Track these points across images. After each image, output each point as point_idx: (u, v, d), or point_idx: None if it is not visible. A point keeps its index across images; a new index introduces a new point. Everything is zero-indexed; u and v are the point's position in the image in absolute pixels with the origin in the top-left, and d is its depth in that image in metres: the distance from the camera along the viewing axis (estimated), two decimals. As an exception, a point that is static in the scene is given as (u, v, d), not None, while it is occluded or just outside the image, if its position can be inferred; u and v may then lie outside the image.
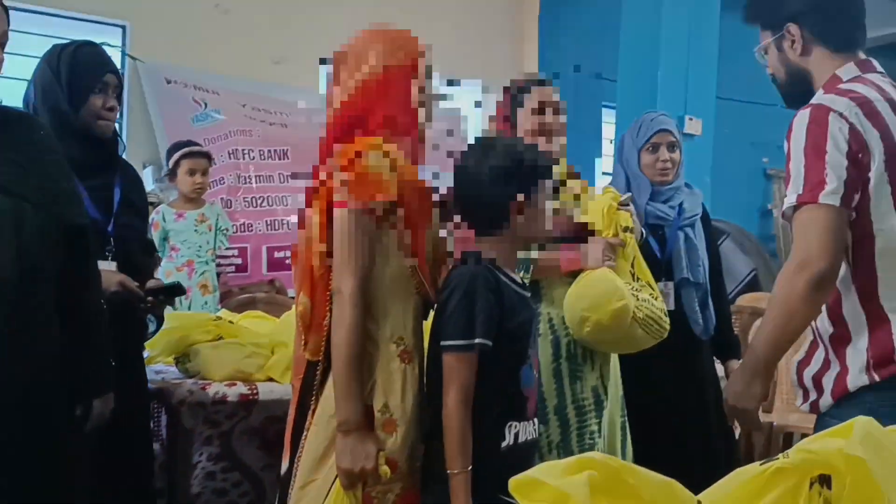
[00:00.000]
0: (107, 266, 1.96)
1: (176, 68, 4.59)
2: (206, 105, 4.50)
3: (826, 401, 1.46)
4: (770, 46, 1.60)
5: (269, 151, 4.57)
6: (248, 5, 5.03)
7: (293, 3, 5.17)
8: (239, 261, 4.37)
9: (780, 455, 0.80)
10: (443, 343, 1.46)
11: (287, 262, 4.49)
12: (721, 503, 0.77)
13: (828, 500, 0.80)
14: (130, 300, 2.02)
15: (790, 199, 1.41)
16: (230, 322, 2.60)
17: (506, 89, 2.18)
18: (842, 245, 1.39)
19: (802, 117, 1.43)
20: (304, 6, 5.21)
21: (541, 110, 2.08)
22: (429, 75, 1.57)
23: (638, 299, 1.95)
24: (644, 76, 4.58)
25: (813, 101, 1.48)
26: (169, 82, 4.49)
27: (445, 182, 1.57)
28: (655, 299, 2.03)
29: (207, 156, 3.71)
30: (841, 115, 1.40)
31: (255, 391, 2.30)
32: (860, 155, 1.39)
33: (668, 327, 2.04)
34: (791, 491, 0.79)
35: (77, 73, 1.97)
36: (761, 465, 0.80)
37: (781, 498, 0.78)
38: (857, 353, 1.42)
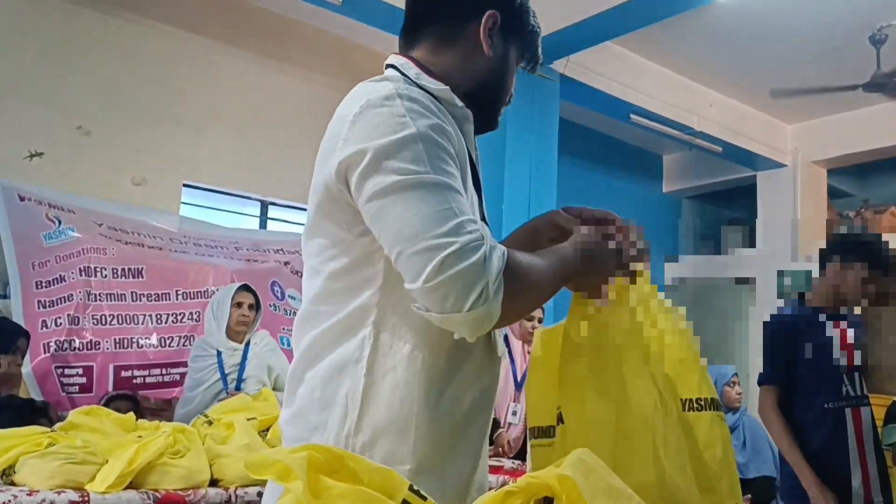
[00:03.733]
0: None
1: (31, 186, 4.58)
2: (59, 222, 4.48)
3: None
4: None
5: (123, 270, 4.57)
6: (111, 127, 5.13)
7: (155, 127, 5.32)
8: (83, 380, 4.27)
9: (512, 481, 0.97)
10: None
11: (134, 381, 4.42)
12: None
13: (550, 517, 0.96)
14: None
15: None
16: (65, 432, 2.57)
17: None
18: None
19: None
20: (166, 130, 5.37)
21: None
22: None
23: None
24: (489, 210, 4.97)
25: None
26: (23, 199, 4.46)
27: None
28: None
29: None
30: None
31: (85, 498, 2.28)
32: None
33: None
34: (519, 510, 0.95)
35: None
36: (496, 491, 0.97)
37: (511, 516, 0.94)
38: None
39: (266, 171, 5.89)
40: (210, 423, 2.94)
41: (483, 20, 1.29)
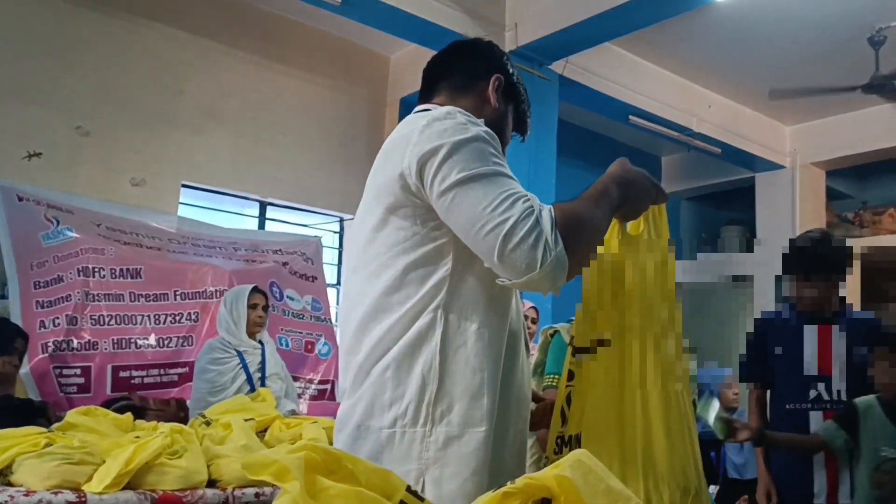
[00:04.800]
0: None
1: (30, 186, 4.57)
2: (57, 223, 4.47)
3: None
4: None
5: (122, 270, 4.56)
6: (110, 128, 5.13)
7: (154, 128, 5.32)
8: (81, 380, 4.26)
9: (509, 482, 0.96)
10: None
11: (132, 381, 4.41)
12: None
13: (548, 518, 0.96)
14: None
15: None
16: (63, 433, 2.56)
17: None
18: None
19: None
20: (165, 131, 5.37)
21: None
22: None
23: None
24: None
25: None
26: (21, 199, 4.46)
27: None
28: None
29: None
30: None
31: (83, 499, 2.27)
32: None
33: None
34: (516, 511, 0.94)
35: None
36: (495, 491, 0.96)
37: (509, 517, 0.93)
38: None
39: (265, 171, 5.89)
40: (208, 423, 2.93)
41: (492, 80, 1.57)
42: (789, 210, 7.63)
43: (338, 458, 0.71)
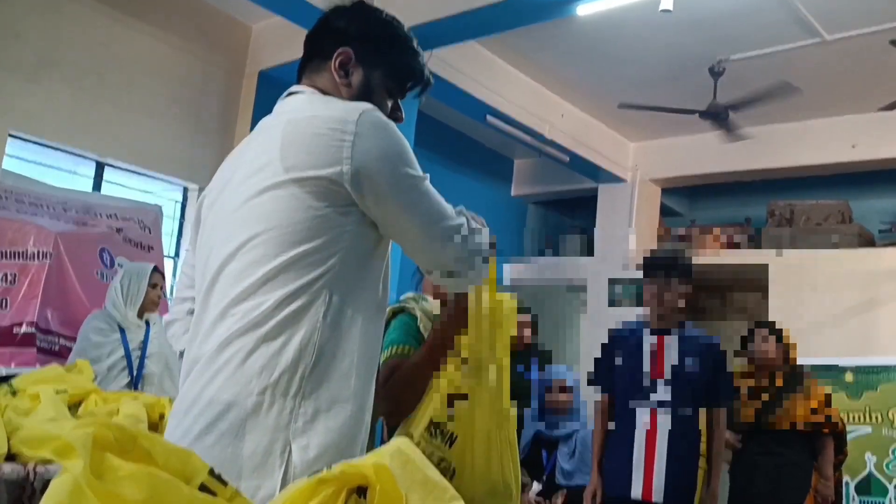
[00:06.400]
0: None
1: None
2: None
3: None
4: None
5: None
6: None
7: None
8: None
9: (325, 468, 0.95)
10: None
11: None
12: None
13: (363, 507, 0.95)
14: None
15: None
16: None
17: None
18: None
19: None
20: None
21: None
22: None
23: None
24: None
25: None
26: None
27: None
28: None
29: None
30: None
31: None
32: None
33: None
34: (330, 498, 0.93)
35: None
36: (309, 477, 0.94)
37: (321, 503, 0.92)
38: None
39: (106, 129, 5.54)
40: (14, 393, 2.71)
41: (334, 56, 1.52)
42: (626, 222, 8.04)
43: (133, 436, 0.66)
